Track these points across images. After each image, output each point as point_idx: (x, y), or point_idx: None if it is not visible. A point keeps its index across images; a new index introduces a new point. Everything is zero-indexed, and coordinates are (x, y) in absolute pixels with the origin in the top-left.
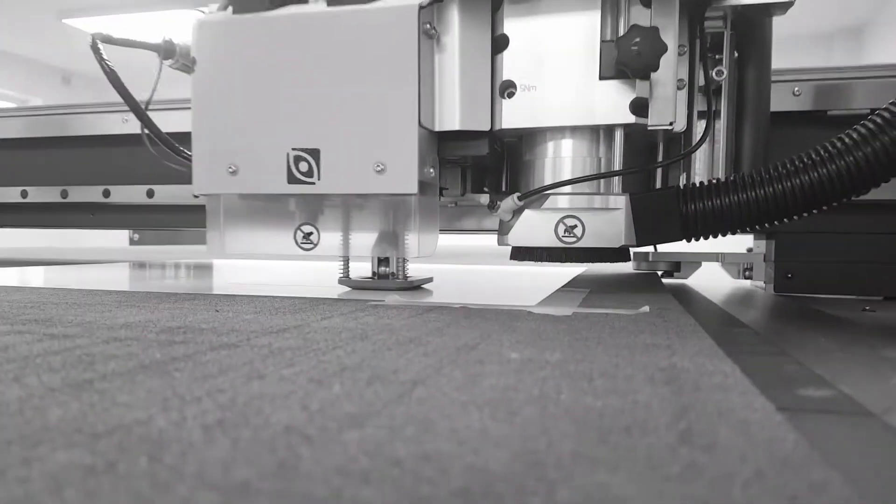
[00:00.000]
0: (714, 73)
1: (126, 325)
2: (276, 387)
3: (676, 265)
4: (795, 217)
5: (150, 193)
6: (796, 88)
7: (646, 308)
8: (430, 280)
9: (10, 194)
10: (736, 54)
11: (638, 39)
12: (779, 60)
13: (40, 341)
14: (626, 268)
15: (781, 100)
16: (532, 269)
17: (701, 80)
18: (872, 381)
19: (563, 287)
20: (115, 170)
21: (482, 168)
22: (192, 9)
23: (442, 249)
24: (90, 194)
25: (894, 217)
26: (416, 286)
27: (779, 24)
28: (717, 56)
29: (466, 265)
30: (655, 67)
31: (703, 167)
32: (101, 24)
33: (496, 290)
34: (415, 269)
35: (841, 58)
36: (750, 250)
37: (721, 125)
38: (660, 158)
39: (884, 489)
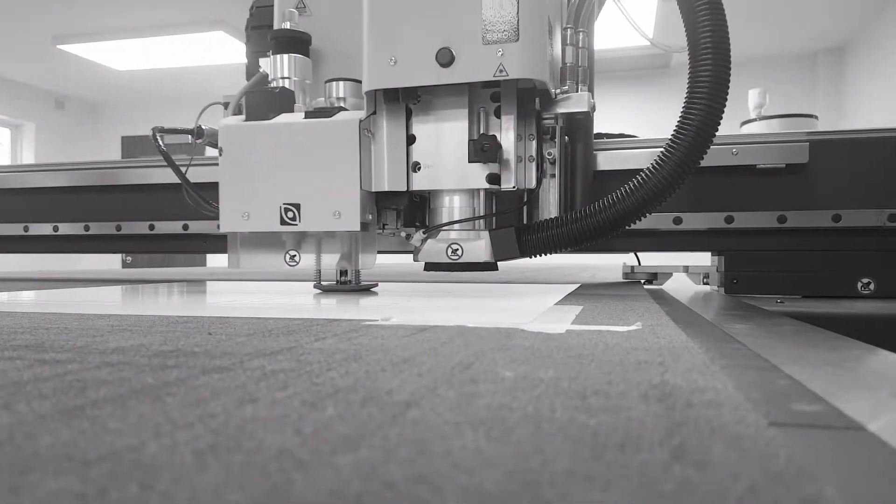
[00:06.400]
0: (546, 154)
1: (118, 349)
2: (269, 410)
3: (654, 275)
4: (589, 241)
5: (186, 227)
6: (734, 149)
7: (638, 325)
8: (375, 284)
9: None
10: (566, 138)
11: (485, 142)
12: (766, 80)
13: (31, 367)
14: (617, 277)
15: (724, 157)
16: (518, 286)
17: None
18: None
19: (556, 303)
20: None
21: (409, 211)
22: (182, 34)
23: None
24: (139, 228)
25: (810, 237)
26: (366, 288)
27: (765, 45)
28: (554, 139)
29: (455, 283)
30: (494, 158)
31: (550, 207)
32: (95, 50)
33: (489, 307)
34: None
35: (825, 76)
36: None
37: (555, 183)
38: (524, 207)
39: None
